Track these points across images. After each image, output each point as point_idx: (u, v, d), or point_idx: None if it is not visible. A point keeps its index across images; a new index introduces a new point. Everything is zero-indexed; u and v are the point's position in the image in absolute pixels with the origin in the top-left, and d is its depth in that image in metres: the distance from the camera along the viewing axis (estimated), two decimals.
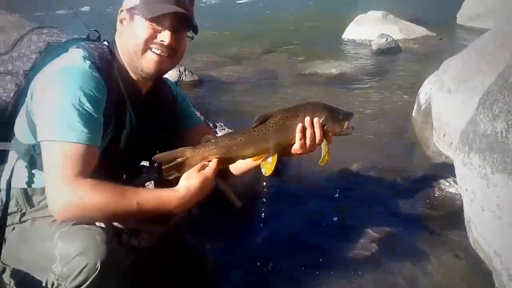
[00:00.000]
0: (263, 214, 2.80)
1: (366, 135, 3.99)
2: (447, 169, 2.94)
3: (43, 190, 1.42)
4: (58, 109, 1.31)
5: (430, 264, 2.24)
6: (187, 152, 1.43)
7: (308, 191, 3.07)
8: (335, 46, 8.40)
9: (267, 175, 1.43)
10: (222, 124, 3.58)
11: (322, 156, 1.44)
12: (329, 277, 2.14)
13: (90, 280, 1.28)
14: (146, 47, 1.46)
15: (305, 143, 1.41)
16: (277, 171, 3.23)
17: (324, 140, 1.42)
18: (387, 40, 7.57)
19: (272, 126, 1.40)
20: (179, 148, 1.44)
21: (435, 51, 7.27)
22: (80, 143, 1.29)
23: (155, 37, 1.45)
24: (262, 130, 1.40)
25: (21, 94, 1.51)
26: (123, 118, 1.51)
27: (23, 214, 1.47)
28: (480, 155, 2.08)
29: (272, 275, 2.16)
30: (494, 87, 2.17)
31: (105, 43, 1.55)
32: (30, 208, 1.48)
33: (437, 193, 2.87)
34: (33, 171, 1.47)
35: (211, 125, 3.45)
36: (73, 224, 1.36)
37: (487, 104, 2.11)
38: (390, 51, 7.46)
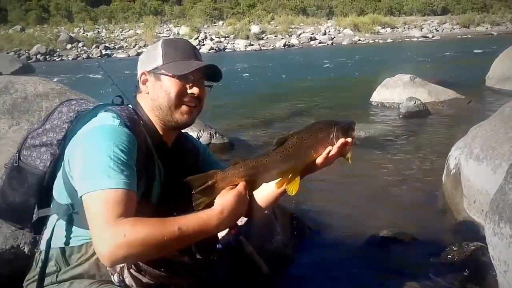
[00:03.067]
0: (291, 280, 2.79)
1: (395, 200, 3.97)
2: (479, 236, 2.88)
3: (80, 247, 1.51)
4: (94, 163, 1.38)
5: None
6: (218, 175, 1.51)
7: (337, 257, 3.05)
8: (363, 109, 8.51)
9: (293, 194, 1.49)
10: None
11: (350, 159, 1.51)
12: None
13: None
14: (179, 101, 1.60)
15: (326, 157, 1.49)
16: (305, 234, 3.26)
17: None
18: (415, 103, 7.60)
19: (291, 147, 1.48)
20: (210, 171, 1.52)
21: (464, 114, 7.28)
22: (119, 188, 1.34)
23: (185, 91, 1.61)
24: (283, 151, 1.48)
25: (56, 162, 1.61)
26: (153, 171, 1.59)
27: (60, 273, 1.54)
28: (511, 225, 2.06)
29: None
30: None
31: (130, 106, 1.67)
32: (67, 266, 1.54)
33: (469, 262, 2.80)
34: (72, 229, 1.54)
35: None
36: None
37: None
38: (418, 114, 7.48)
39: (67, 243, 1.54)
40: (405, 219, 3.56)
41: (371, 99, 8.96)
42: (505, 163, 2.37)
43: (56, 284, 1.53)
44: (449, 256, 2.90)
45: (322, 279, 2.79)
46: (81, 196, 1.37)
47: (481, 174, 3.14)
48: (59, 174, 1.57)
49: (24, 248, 2.26)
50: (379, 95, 8.94)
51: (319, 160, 1.50)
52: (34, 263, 1.63)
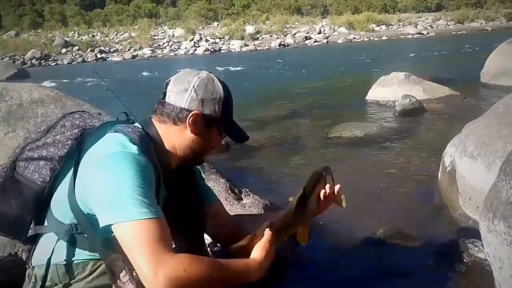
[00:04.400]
0: (289, 281, 2.81)
1: (392, 198, 3.99)
2: (475, 233, 2.90)
3: (77, 265, 1.49)
4: (123, 192, 1.34)
5: None
6: (252, 239, 1.60)
7: (334, 257, 3.07)
8: (359, 107, 8.52)
9: (305, 244, 1.65)
10: (248, 190, 3.65)
11: (344, 204, 1.69)
12: None
13: None
14: None
15: (324, 203, 1.65)
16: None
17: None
18: (410, 100, 7.62)
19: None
20: (247, 237, 1.60)
21: (459, 111, 7.29)
22: (159, 217, 1.33)
23: None
24: (297, 209, 1.59)
25: (56, 178, 1.57)
26: (158, 195, 1.53)
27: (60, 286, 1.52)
28: (504, 222, 2.08)
29: None
30: None
31: (137, 125, 1.61)
32: (63, 283, 1.51)
33: (466, 259, 2.83)
34: (71, 248, 1.52)
35: (236, 191, 3.53)
36: None
37: (508, 171, 2.14)
38: (414, 112, 7.49)
39: (65, 260, 1.52)
40: (401, 217, 3.58)
41: (366, 98, 8.97)
42: (499, 160, 2.40)
43: None
44: (445, 253, 2.92)
45: (320, 279, 2.81)
46: (111, 224, 1.32)
47: (475, 171, 3.17)
48: (63, 193, 1.52)
49: (22, 256, 2.26)
50: (374, 94, 8.95)
51: (321, 207, 1.65)
52: (26, 278, 1.59)
